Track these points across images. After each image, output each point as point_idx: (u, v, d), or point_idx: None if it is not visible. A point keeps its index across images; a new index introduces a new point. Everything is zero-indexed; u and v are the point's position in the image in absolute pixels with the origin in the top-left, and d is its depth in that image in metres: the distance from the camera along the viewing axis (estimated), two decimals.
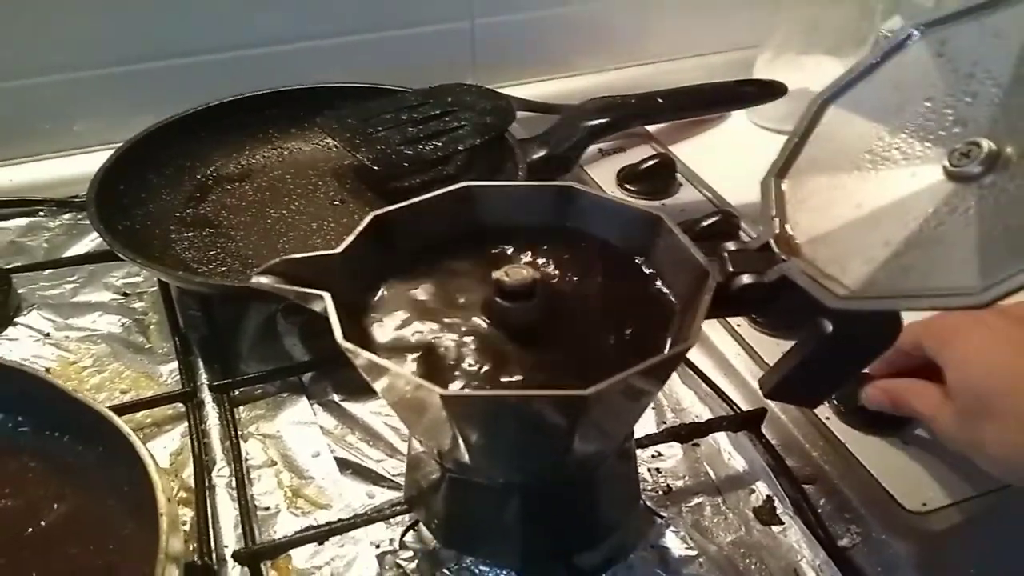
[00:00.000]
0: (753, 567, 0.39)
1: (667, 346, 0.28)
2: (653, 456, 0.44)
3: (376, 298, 0.30)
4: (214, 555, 0.39)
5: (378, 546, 0.39)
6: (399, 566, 0.39)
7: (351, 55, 0.70)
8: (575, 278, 0.31)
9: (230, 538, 0.39)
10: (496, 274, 0.28)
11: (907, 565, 0.39)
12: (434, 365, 0.28)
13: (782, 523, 0.41)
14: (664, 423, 0.46)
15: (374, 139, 0.58)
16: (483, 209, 0.33)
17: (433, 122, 0.60)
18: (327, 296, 0.27)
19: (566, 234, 0.33)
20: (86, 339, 0.51)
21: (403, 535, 0.40)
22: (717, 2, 0.78)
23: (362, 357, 0.25)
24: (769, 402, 0.45)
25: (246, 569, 0.38)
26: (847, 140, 0.27)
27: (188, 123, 0.61)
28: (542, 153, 0.60)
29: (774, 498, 0.42)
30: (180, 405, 0.46)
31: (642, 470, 0.43)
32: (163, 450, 0.44)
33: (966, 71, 0.24)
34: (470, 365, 0.28)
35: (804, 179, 0.27)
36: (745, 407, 0.46)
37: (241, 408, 0.47)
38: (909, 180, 0.24)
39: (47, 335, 0.51)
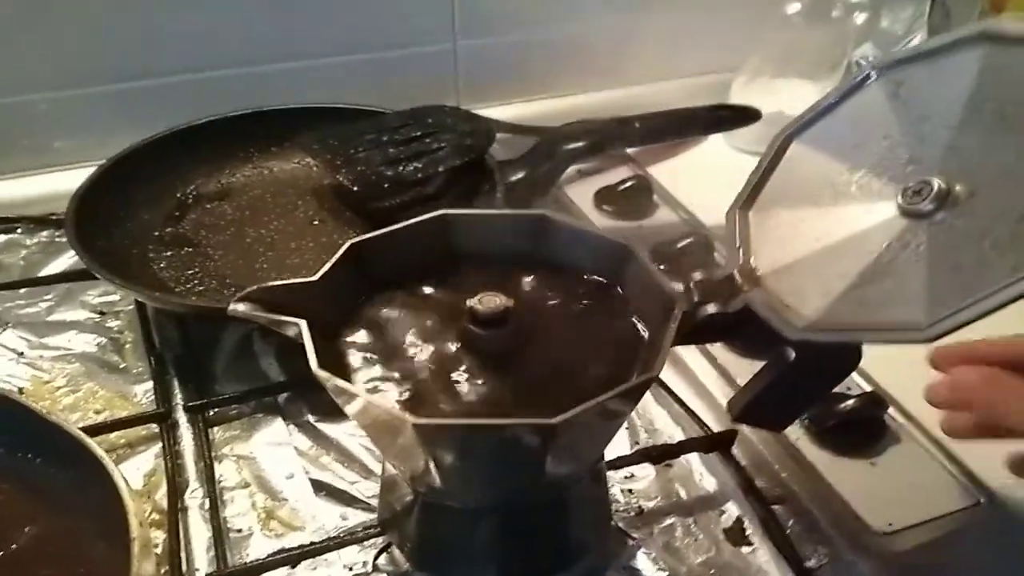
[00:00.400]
0: None
1: (635, 374, 0.28)
2: (626, 477, 0.45)
3: (352, 325, 0.31)
4: None
5: (351, 569, 0.39)
6: None
7: (333, 76, 0.70)
8: (548, 306, 0.32)
9: (202, 561, 0.39)
10: (470, 302, 0.29)
11: None
12: (407, 392, 0.28)
13: (751, 544, 0.41)
14: (637, 444, 0.47)
15: (354, 160, 0.59)
16: (459, 237, 0.33)
17: (413, 143, 0.60)
18: (302, 324, 0.27)
19: (540, 262, 0.33)
20: (61, 358, 0.51)
21: (376, 558, 0.40)
22: (695, 27, 0.79)
23: (336, 386, 0.25)
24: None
25: None
26: (809, 175, 0.27)
27: (168, 142, 0.61)
28: (521, 175, 0.61)
29: (744, 519, 0.42)
30: (154, 426, 0.46)
31: (615, 491, 0.44)
32: (136, 471, 0.44)
33: (919, 112, 0.25)
34: (443, 392, 0.28)
35: (768, 211, 0.28)
36: (717, 428, 0.47)
37: (216, 429, 0.47)
38: (866, 215, 0.25)
39: (21, 354, 0.51)
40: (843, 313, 0.23)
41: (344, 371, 0.29)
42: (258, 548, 0.40)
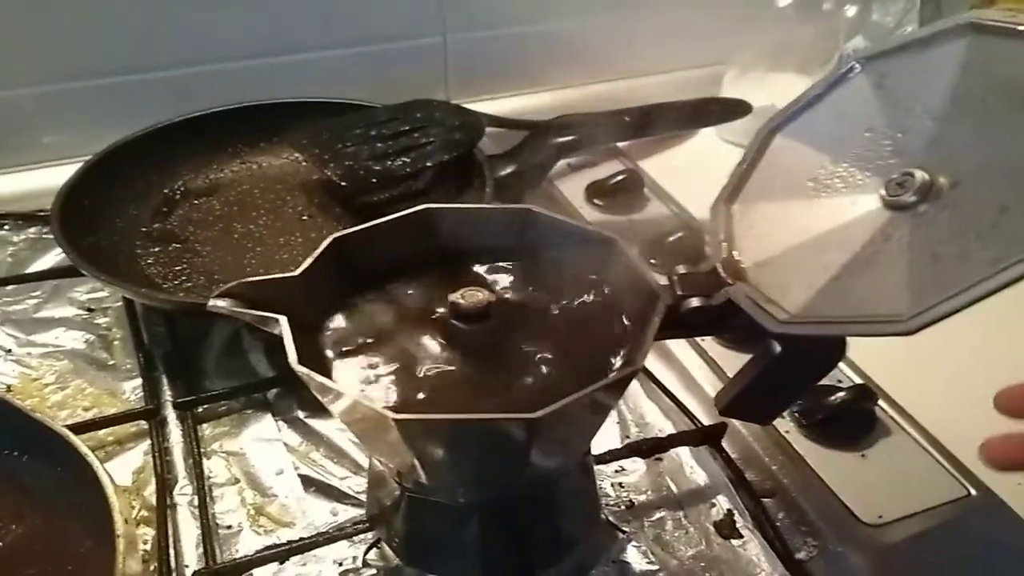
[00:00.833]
0: None
1: (618, 367, 0.28)
2: (616, 471, 0.45)
3: (334, 320, 0.31)
4: (174, 574, 0.39)
5: (341, 564, 0.39)
6: None
7: (323, 70, 0.70)
8: (532, 300, 0.32)
9: (191, 557, 0.39)
10: (452, 296, 0.29)
11: None
12: (390, 387, 0.28)
13: (742, 537, 0.42)
14: (628, 438, 0.47)
15: (342, 155, 0.58)
16: (442, 231, 0.33)
17: (402, 138, 0.60)
18: (283, 319, 0.27)
19: (524, 256, 0.33)
20: (49, 355, 0.51)
21: (366, 553, 0.40)
22: (686, 21, 0.79)
23: (315, 380, 0.25)
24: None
25: None
26: (793, 168, 0.27)
27: (156, 138, 0.61)
28: (510, 169, 0.61)
29: (734, 512, 0.43)
30: (143, 422, 0.46)
31: (605, 485, 0.44)
32: (125, 468, 0.44)
33: (904, 104, 0.25)
34: (425, 387, 0.28)
35: (752, 205, 0.28)
36: (707, 421, 0.47)
37: (205, 425, 0.47)
38: (849, 208, 0.25)
39: (8, 351, 0.51)
40: (825, 306, 0.23)
41: (326, 366, 0.29)
42: (247, 544, 0.40)
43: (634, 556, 0.40)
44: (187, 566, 0.39)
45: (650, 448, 0.45)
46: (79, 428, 0.43)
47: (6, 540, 0.37)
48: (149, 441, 0.45)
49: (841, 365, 0.50)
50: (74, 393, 0.48)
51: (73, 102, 0.65)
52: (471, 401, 0.28)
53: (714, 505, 0.43)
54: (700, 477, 0.45)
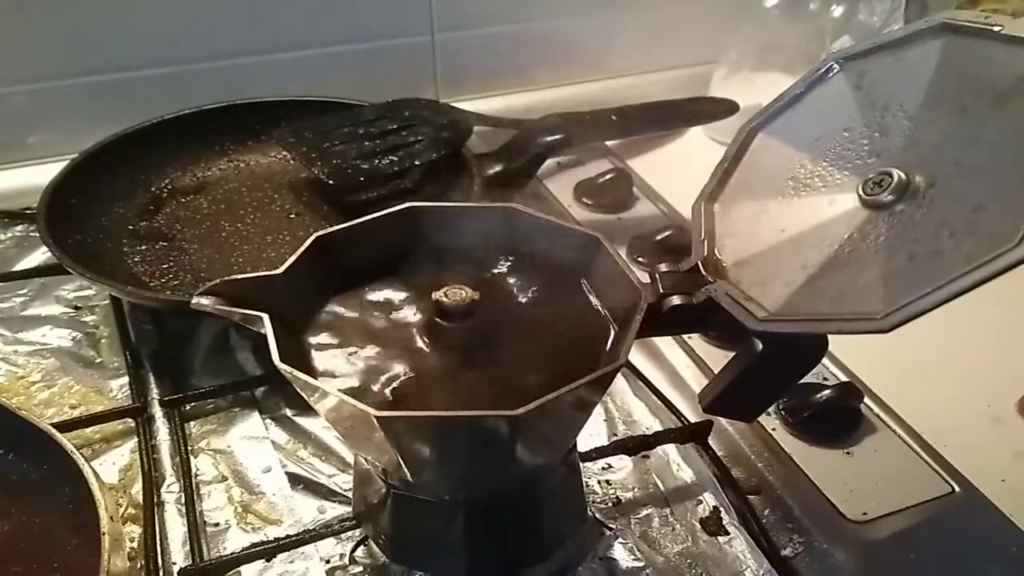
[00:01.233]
0: None
1: (601, 364, 0.28)
2: (603, 468, 0.45)
3: (318, 318, 0.31)
4: (161, 572, 0.38)
5: (328, 561, 0.39)
6: None
7: (311, 69, 0.70)
8: (516, 298, 0.32)
9: (178, 555, 0.39)
10: (435, 294, 0.29)
11: (847, 573, 0.40)
12: (373, 385, 0.28)
13: (728, 533, 0.42)
14: (615, 435, 0.47)
15: (330, 153, 0.58)
16: (426, 229, 0.33)
17: (390, 136, 0.60)
18: (265, 317, 0.27)
19: (508, 254, 0.33)
20: (35, 353, 0.51)
21: (353, 550, 0.40)
22: (674, 20, 0.79)
23: (298, 378, 0.25)
24: None
25: None
26: (773, 167, 0.28)
27: (143, 135, 0.60)
28: (498, 168, 0.61)
29: (720, 509, 0.43)
30: (130, 420, 0.46)
31: (592, 482, 0.44)
32: (112, 466, 0.44)
33: (881, 103, 0.25)
34: (408, 385, 0.28)
35: (733, 204, 0.28)
36: (694, 419, 0.47)
37: (192, 423, 0.47)
38: (828, 207, 0.25)
39: None
40: (804, 304, 0.24)
41: (310, 364, 0.29)
42: (235, 542, 0.40)
43: (620, 553, 0.40)
44: (174, 564, 0.39)
45: (637, 445, 0.45)
46: (66, 426, 0.43)
47: None
48: (136, 439, 0.45)
49: (827, 363, 0.50)
50: (61, 391, 0.48)
51: (59, 100, 0.65)
52: (454, 398, 0.28)
53: (700, 502, 0.43)
54: (687, 474, 0.45)
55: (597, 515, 0.42)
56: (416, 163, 0.59)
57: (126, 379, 0.49)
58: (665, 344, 0.52)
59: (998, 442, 0.46)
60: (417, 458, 0.28)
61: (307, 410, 0.47)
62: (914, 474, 0.44)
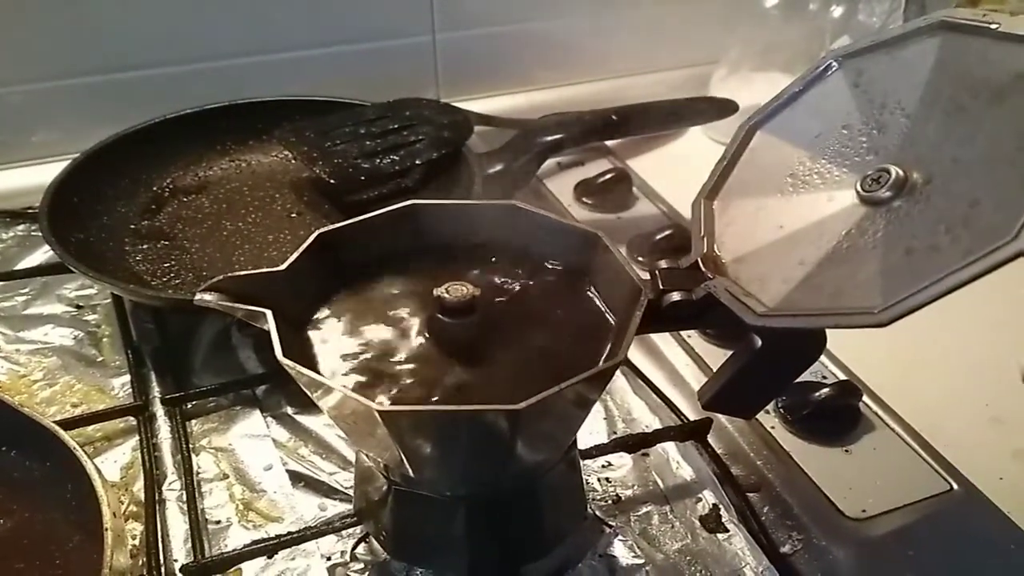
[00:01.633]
0: (698, 574, 0.40)
1: (601, 360, 0.28)
2: (603, 466, 0.45)
3: (320, 314, 0.31)
4: (163, 569, 0.39)
5: (329, 558, 0.39)
6: None
7: (312, 69, 0.70)
8: (517, 294, 0.32)
9: (180, 552, 0.39)
10: (437, 291, 0.29)
11: (846, 570, 0.40)
12: (375, 380, 0.28)
13: (727, 531, 0.42)
14: (615, 433, 0.47)
15: (331, 152, 0.59)
16: (428, 226, 0.33)
17: (391, 136, 0.60)
18: (268, 313, 0.27)
19: (509, 251, 0.33)
20: (37, 352, 0.51)
21: (354, 547, 0.40)
22: (675, 21, 0.79)
23: (301, 373, 0.26)
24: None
25: None
26: (772, 164, 0.28)
27: (145, 135, 0.61)
28: (499, 167, 0.61)
29: (720, 506, 0.43)
30: (132, 418, 0.46)
31: (592, 480, 0.44)
32: (114, 464, 0.44)
33: (879, 101, 0.25)
34: (410, 380, 0.28)
35: (732, 201, 0.29)
36: (693, 417, 0.47)
37: (193, 421, 0.47)
38: (826, 203, 0.25)
39: None
40: (802, 299, 0.24)
41: (312, 360, 0.29)
42: (236, 539, 0.40)
43: (620, 550, 0.41)
44: (176, 561, 0.39)
45: (636, 443, 0.45)
46: (68, 424, 0.43)
47: None
48: (138, 437, 0.45)
49: (826, 361, 0.50)
50: (63, 390, 0.48)
51: (62, 100, 0.65)
52: (455, 393, 0.28)
53: (700, 500, 0.43)
54: (686, 472, 0.45)
55: (597, 512, 0.42)
56: (417, 162, 0.59)
57: (127, 378, 0.49)
58: (665, 343, 0.52)
59: (996, 440, 0.46)
60: (419, 453, 0.28)
61: (308, 408, 0.47)
62: (913, 472, 0.44)
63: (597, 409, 0.48)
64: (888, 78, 0.26)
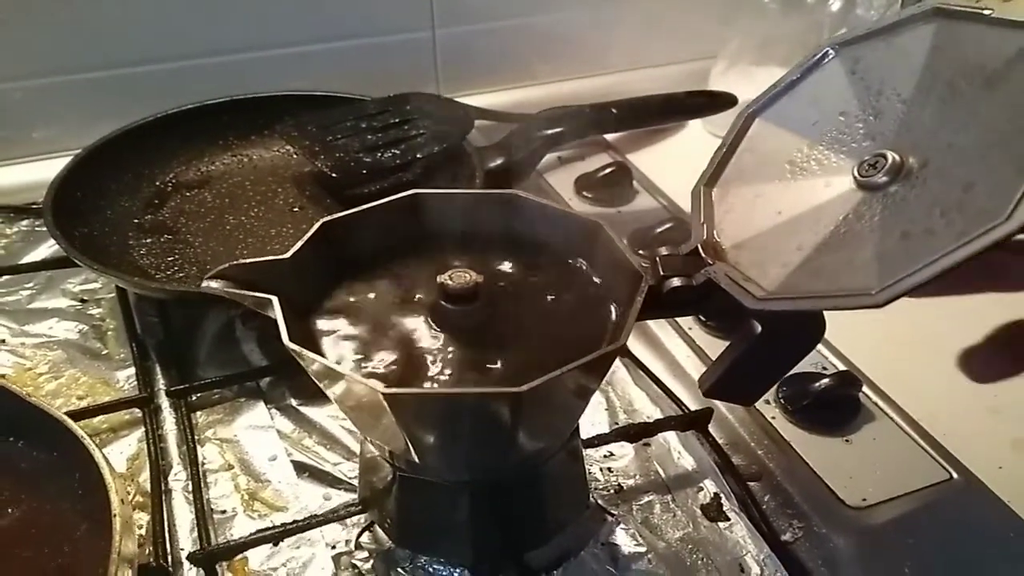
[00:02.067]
0: (700, 562, 0.40)
1: (602, 345, 0.29)
2: (605, 456, 0.45)
3: (325, 302, 0.31)
4: (170, 558, 0.39)
5: (334, 547, 0.40)
6: (355, 566, 0.39)
7: (314, 64, 0.71)
8: (519, 282, 0.33)
9: (186, 541, 0.40)
10: (440, 277, 0.29)
11: (847, 558, 0.40)
12: (380, 366, 0.29)
13: (728, 519, 0.42)
14: (616, 424, 0.47)
15: (333, 147, 0.59)
16: (431, 216, 0.34)
17: (392, 130, 0.61)
18: (274, 299, 0.28)
19: (511, 240, 0.34)
20: (42, 345, 0.51)
21: (359, 536, 0.40)
22: (674, 15, 0.80)
23: (308, 358, 0.26)
24: (716, 402, 0.47)
25: (201, 571, 0.38)
26: (770, 151, 0.28)
27: (147, 130, 0.61)
28: (499, 161, 0.61)
29: (721, 495, 0.43)
30: (137, 410, 0.46)
31: (594, 470, 0.44)
32: (119, 455, 0.44)
33: (876, 87, 0.26)
34: (414, 366, 0.29)
35: (731, 188, 0.29)
36: (694, 407, 0.47)
37: (198, 413, 0.47)
38: (824, 189, 0.26)
39: (3, 341, 0.51)
40: (800, 283, 0.24)
41: (317, 347, 0.29)
42: (241, 529, 0.41)
43: (623, 538, 0.41)
44: (182, 549, 0.39)
45: (638, 433, 0.46)
46: (74, 416, 0.43)
47: (2, 524, 0.37)
48: (143, 429, 0.45)
49: (826, 352, 0.51)
50: (68, 382, 0.49)
51: (63, 96, 0.66)
52: (458, 378, 0.28)
53: (701, 489, 0.44)
54: (687, 462, 0.45)
55: (599, 501, 0.43)
56: (418, 156, 0.59)
57: (132, 370, 0.49)
58: (665, 334, 0.53)
59: (996, 429, 0.46)
60: (423, 437, 0.29)
61: (312, 400, 0.48)
62: (912, 461, 0.44)
63: (599, 399, 0.49)
64: (884, 65, 0.26)
